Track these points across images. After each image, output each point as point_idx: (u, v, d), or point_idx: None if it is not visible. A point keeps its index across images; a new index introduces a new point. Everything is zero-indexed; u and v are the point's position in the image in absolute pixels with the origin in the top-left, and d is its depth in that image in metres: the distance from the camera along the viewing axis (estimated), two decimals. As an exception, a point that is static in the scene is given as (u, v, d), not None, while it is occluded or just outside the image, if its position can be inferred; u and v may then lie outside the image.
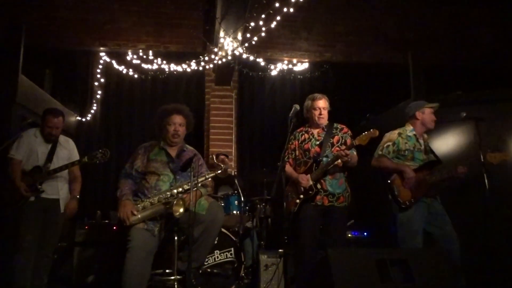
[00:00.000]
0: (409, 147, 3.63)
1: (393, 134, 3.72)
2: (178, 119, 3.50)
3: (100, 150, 3.75)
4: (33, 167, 3.74)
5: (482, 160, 3.45)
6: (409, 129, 3.73)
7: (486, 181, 3.43)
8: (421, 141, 3.71)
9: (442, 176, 3.48)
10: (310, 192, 3.50)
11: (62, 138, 3.99)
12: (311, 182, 3.51)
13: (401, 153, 3.63)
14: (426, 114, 3.71)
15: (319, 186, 3.52)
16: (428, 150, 3.72)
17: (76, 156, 4.01)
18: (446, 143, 4.35)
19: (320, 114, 3.67)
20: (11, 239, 3.73)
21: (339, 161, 3.49)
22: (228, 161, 5.32)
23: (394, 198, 3.56)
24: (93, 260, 4.33)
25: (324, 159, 3.56)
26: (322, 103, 3.68)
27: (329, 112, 3.76)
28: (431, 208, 3.53)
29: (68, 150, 3.97)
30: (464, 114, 3.61)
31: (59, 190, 3.84)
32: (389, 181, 3.59)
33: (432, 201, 3.55)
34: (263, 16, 4.63)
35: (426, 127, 3.73)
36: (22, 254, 3.60)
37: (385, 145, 3.67)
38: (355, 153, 3.62)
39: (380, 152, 3.67)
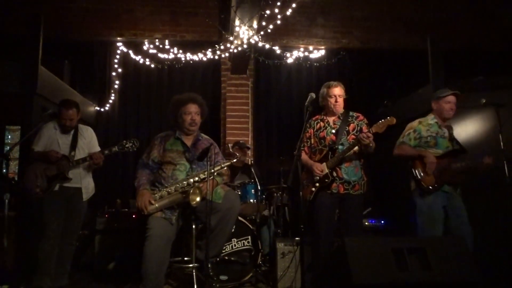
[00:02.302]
0: (431, 133, 3.60)
1: (414, 123, 3.72)
2: (193, 108, 3.53)
3: (130, 140, 3.81)
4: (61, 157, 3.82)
5: (502, 147, 3.39)
6: (430, 117, 3.70)
7: (506, 168, 3.38)
8: (444, 129, 3.65)
9: (467, 164, 3.44)
10: (326, 180, 3.51)
11: (82, 127, 4.06)
12: (327, 170, 3.51)
13: (424, 140, 3.59)
14: (441, 103, 3.65)
15: (334, 174, 3.52)
16: (453, 138, 3.66)
17: (95, 143, 4.08)
18: (466, 129, 4.27)
19: (336, 101, 3.65)
20: (36, 227, 3.84)
21: (356, 148, 3.48)
22: (247, 151, 5.35)
23: (417, 183, 3.52)
24: (113, 248, 4.42)
25: (340, 147, 3.55)
26: (338, 91, 3.67)
27: (347, 99, 3.74)
28: (450, 199, 3.49)
29: (86, 139, 4.04)
30: (484, 100, 3.54)
31: (81, 179, 3.92)
32: (411, 167, 3.57)
33: (452, 190, 3.50)
34: (278, 3, 4.58)
35: (442, 116, 3.66)
36: (47, 242, 3.69)
37: (406, 133, 3.68)
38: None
39: (401, 140, 3.67)
